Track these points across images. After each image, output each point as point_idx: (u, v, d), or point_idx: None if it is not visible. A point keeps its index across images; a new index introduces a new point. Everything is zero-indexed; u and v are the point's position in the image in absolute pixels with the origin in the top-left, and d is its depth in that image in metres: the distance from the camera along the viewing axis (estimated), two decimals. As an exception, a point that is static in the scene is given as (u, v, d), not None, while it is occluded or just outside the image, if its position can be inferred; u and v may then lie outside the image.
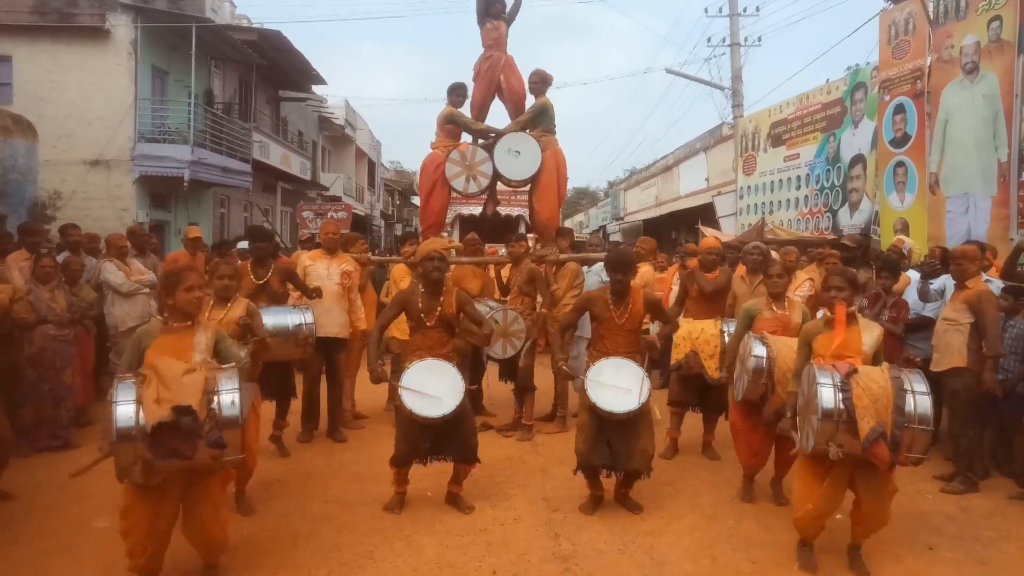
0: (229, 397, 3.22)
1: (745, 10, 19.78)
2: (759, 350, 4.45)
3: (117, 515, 3.41)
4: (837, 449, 3.54)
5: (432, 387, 4.32)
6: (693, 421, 5.94)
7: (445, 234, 10.04)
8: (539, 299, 6.42)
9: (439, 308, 4.52)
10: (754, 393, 4.50)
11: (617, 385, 4.37)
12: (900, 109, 10.44)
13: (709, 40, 23.06)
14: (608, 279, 4.79)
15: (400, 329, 6.68)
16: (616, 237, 28.28)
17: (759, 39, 24.70)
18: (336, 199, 25.53)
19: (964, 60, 9.11)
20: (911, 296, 6.07)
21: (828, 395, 3.53)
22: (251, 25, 20.16)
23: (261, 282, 5.48)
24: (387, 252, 15.10)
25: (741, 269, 6.99)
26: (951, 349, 5.03)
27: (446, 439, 4.48)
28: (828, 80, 13.69)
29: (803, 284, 6.78)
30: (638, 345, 4.69)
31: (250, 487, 4.68)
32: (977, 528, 4.39)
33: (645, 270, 6.80)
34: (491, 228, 8.05)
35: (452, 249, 4.83)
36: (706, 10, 20.11)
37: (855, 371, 3.59)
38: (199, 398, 3.14)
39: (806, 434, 3.69)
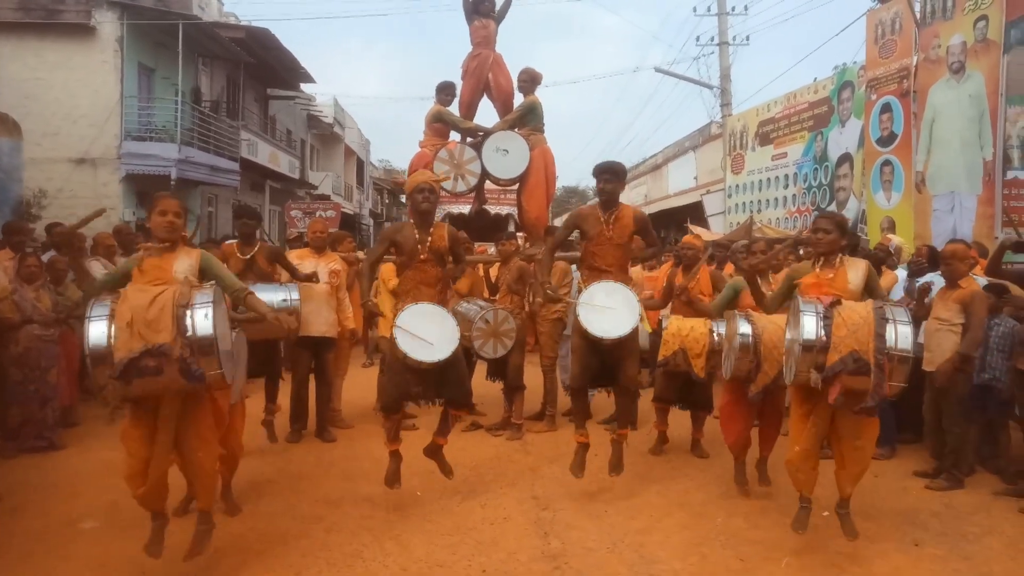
0: (202, 311, 3.21)
1: (733, 9, 19.89)
2: (744, 328, 4.52)
3: (106, 513, 3.41)
4: (817, 377, 3.63)
5: (426, 331, 4.24)
6: (682, 419, 5.97)
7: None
8: (528, 298, 6.43)
9: (430, 239, 4.45)
10: (741, 370, 4.57)
11: (609, 308, 4.41)
12: (887, 108, 10.50)
13: (698, 39, 23.13)
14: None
15: (390, 329, 6.67)
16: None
17: (747, 38, 24.71)
18: (325, 198, 25.44)
19: (951, 60, 9.18)
20: (898, 294, 6.10)
21: (810, 324, 3.63)
22: (239, 23, 20.05)
23: (247, 258, 5.48)
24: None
25: (729, 268, 7.03)
26: (943, 349, 5.05)
27: (439, 384, 4.45)
28: (816, 79, 13.77)
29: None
30: (628, 263, 4.77)
31: (239, 488, 4.66)
32: (962, 524, 4.42)
33: (634, 270, 6.82)
34: (480, 227, 8.04)
35: (441, 183, 4.87)
36: (695, 9, 20.22)
37: (838, 302, 3.70)
38: (169, 317, 3.16)
39: (789, 365, 3.82)
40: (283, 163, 23.18)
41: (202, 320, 3.20)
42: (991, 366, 5.10)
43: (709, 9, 19.80)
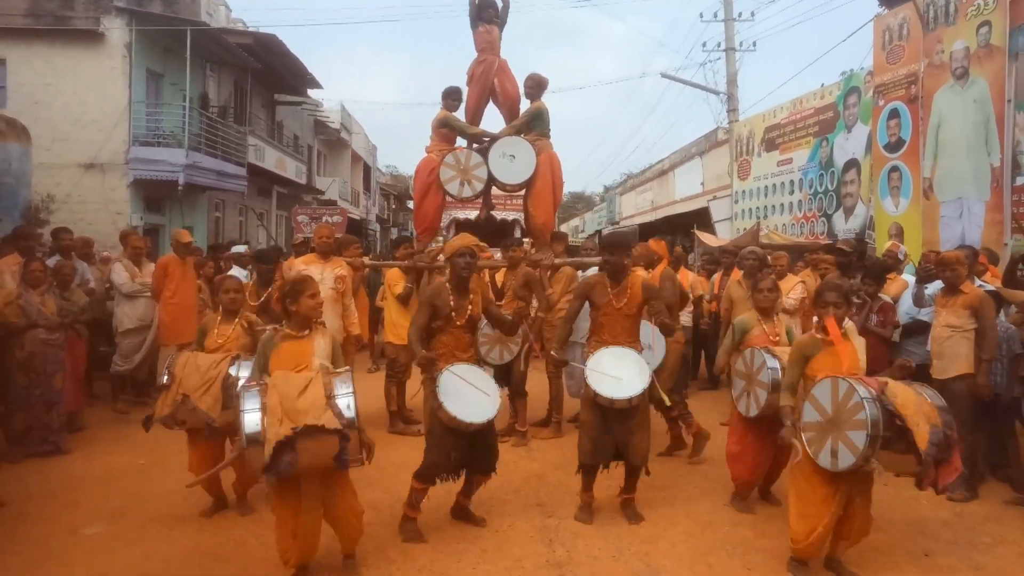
0: (345, 401, 3.43)
1: (740, 15, 19.91)
2: (772, 362, 4.30)
3: (109, 519, 3.39)
4: (878, 464, 3.48)
5: (470, 394, 4.07)
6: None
7: (440, 238, 10.00)
8: (534, 303, 6.40)
9: (468, 307, 4.30)
10: (773, 407, 4.18)
11: (617, 375, 4.31)
12: (894, 114, 10.46)
13: (704, 45, 23.18)
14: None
15: (396, 334, 6.66)
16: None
17: (754, 44, 24.82)
18: (331, 203, 25.51)
19: (954, 65, 9.14)
20: (907, 301, 6.05)
21: (874, 410, 3.41)
22: (246, 29, 20.15)
23: (262, 300, 5.66)
24: (382, 256, 15.06)
25: (737, 274, 6.99)
26: (958, 356, 5.00)
27: (474, 449, 4.22)
28: (822, 85, 13.73)
29: (795, 288, 6.78)
30: (638, 332, 4.63)
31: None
32: (973, 533, 4.38)
33: (642, 274, 6.77)
34: (486, 232, 8.02)
35: (479, 247, 4.80)
36: (701, 15, 20.27)
37: (886, 384, 3.55)
38: (321, 406, 3.33)
39: (833, 450, 3.54)
40: (290, 168, 23.26)
41: (345, 409, 3.41)
42: (992, 372, 5.05)
43: (716, 15, 19.81)
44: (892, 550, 4.11)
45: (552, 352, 4.75)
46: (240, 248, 10.73)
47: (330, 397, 3.39)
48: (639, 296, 4.54)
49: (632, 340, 4.55)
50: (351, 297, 6.39)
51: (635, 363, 4.39)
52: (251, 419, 3.35)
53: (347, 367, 3.67)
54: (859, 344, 3.91)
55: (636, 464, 4.46)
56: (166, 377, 4.23)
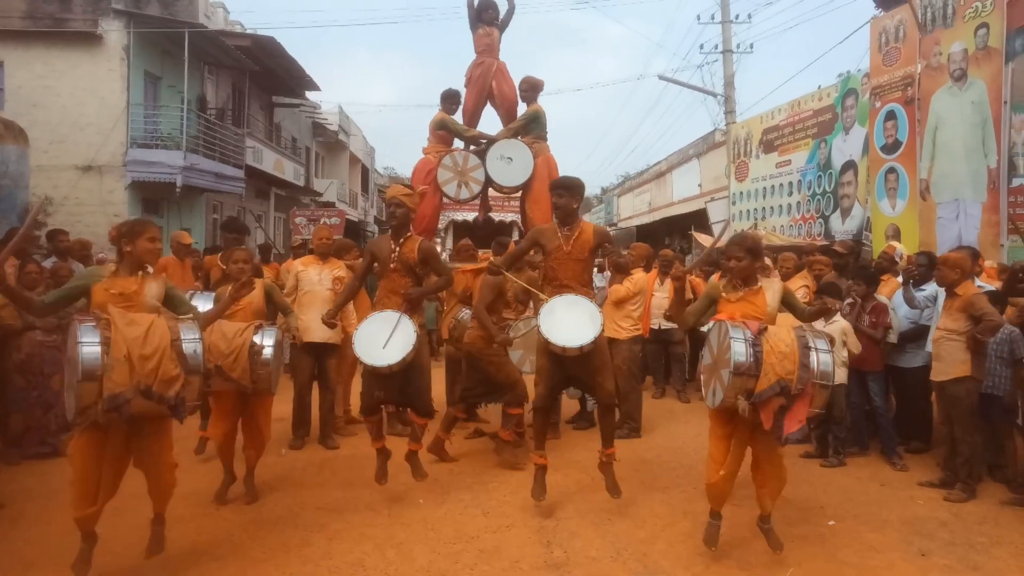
0: (192, 346, 3.44)
1: (737, 17, 19.95)
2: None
3: (107, 521, 3.38)
4: (745, 404, 3.62)
5: (384, 338, 4.45)
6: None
7: (438, 239, 10.01)
8: (531, 306, 6.40)
9: (399, 250, 4.70)
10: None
11: (570, 321, 4.39)
12: (891, 116, 10.49)
13: (702, 47, 23.20)
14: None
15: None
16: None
17: (751, 46, 24.77)
18: (330, 205, 25.49)
19: (952, 67, 9.17)
20: (897, 302, 6.06)
21: (741, 349, 3.60)
22: (244, 31, 20.17)
23: (226, 269, 5.57)
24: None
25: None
26: (953, 359, 5.01)
27: (400, 390, 4.64)
28: (820, 87, 13.76)
29: (798, 291, 6.79)
30: (590, 277, 4.76)
31: (237, 493, 4.76)
32: (970, 534, 4.38)
33: (639, 276, 6.79)
34: (484, 234, 8.04)
35: (414, 195, 5.12)
36: (698, 17, 20.29)
37: (765, 329, 3.73)
38: (171, 360, 3.33)
39: (713, 389, 3.78)
40: (288, 171, 23.25)
41: (192, 355, 3.42)
42: (992, 373, 5.06)
43: (713, 17, 19.87)
44: (888, 549, 4.11)
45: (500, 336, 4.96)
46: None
47: (176, 340, 3.39)
48: (590, 241, 4.62)
49: (584, 285, 4.64)
50: (349, 298, 6.39)
51: (586, 310, 4.45)
52: (90, 353, 3.22)
53: (190, 314, 3.68)
54: (772, 289, 4.03)
55: (606, 403, 4.59)
56: None
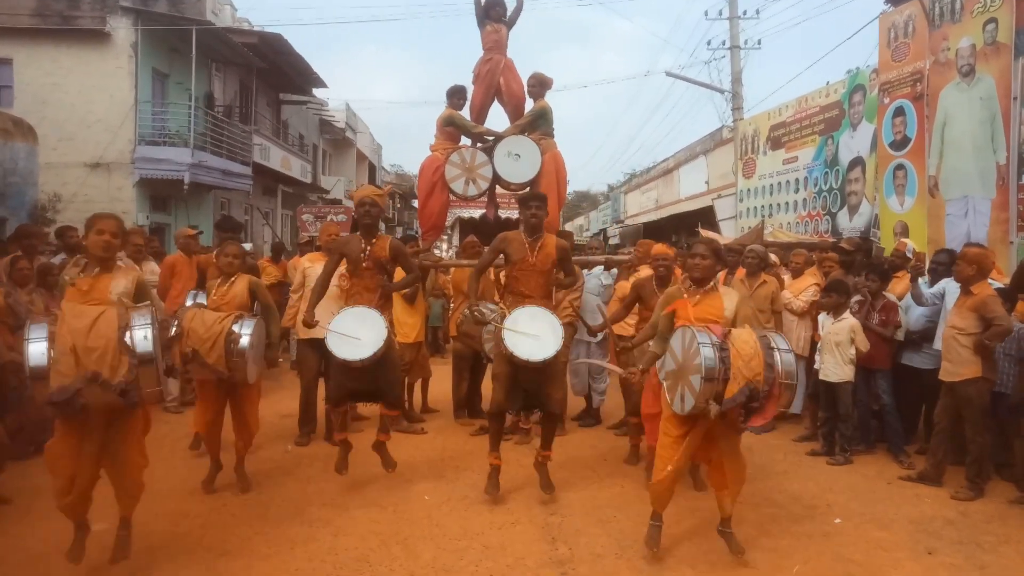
0: (142, 332, 3.44)
1: (745, 13, 19.81)
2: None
3: (112, 515, 3.40)
4: (717, 408, 3.64)
5: (357, 332, 4.57)
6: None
7: (445, 237, 9.99)
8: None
9: (370, 249, 4.84)
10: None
11: (532, 333, 4.52)
12: (900, 112, 10.42)
13: (709, 43, 23.08)
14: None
15: (401, 333, 6.65)
16: (616, 240, 28.29)
17: (759, 42, 24.68)
18: (337, 202, 25.52)
19: (960, 63, 9.10)
20: (921, 304, 6.01)
21: (710, 354, 3.61)
22: (252, 28, 20.20)
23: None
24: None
25: (741, 272, 6.98)
26: (963, 359, 4.98)
27: (371, 384, 4.78)
28: (827, 83, 13.67)
29: (808, 289, 6.77)
30: (551, 289, 4.91)
31: (231, 483, 4.83)
32: (977, 532, 4.37)
33: (645, 273, 6.77)
34: (491, 231, 8.02)
35: (384, 195, 5.24)
36: (706, 13, 20.14)
37: (728, 332, 3.77)
38: (113, 349, 3.35)
39: (682, 395, 3.76)
40: (295, 167, 23.30)
41: (142, 341, 3.42)
42: (1000, 371, 5.03)
43: (720, 13, 19.74)
44: (895, 548, 4.10)
45: (475, 312, 4.87)
46: (246, 247, 10.75)
47: (125, 328, 3.40)
48: (553, 255, 4.80)
49: (544, 297, 4.79)
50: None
51: (548, 323, 4.60)
52: (36, 350, 3.30)
53: (147, 302, 3.67)
54: (729, 295, 4.06)
55: (554, 411, 4.80)
56: (175, 329, 4.47)
